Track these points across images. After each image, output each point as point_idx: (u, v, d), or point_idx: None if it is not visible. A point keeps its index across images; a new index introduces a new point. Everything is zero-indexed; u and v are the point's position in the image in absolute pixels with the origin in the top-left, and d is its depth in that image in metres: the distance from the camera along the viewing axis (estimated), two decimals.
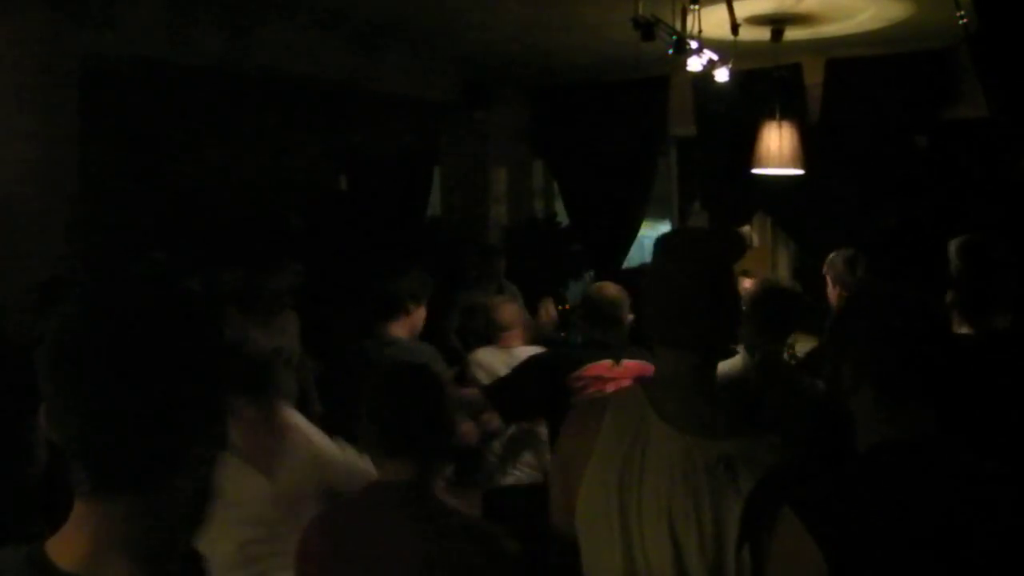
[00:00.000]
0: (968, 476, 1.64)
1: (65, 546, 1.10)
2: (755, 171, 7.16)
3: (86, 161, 5.29)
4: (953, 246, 3.22)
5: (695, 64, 5.44)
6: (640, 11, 4.96)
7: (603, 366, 3.84)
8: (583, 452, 2.01)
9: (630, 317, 4.00)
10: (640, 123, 8.25)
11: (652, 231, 9.94)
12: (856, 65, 7.30)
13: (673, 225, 9.00)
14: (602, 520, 1.97)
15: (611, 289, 4.07)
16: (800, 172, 7.08)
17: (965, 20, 4.44)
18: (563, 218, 9.03)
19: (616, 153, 8.34)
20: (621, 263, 8.66)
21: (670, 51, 5.20)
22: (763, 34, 6.37)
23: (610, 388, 3.65)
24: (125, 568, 1.09)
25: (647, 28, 5.00)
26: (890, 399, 1.68)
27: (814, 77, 7.50)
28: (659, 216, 9.53)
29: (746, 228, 8.36)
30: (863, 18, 6.37)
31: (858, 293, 1.89)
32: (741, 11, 5.47)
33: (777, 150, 6.99)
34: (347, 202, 9.88)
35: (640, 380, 2.06)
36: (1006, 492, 1.63)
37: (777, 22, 6.31)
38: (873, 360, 1.69)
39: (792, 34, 6.50)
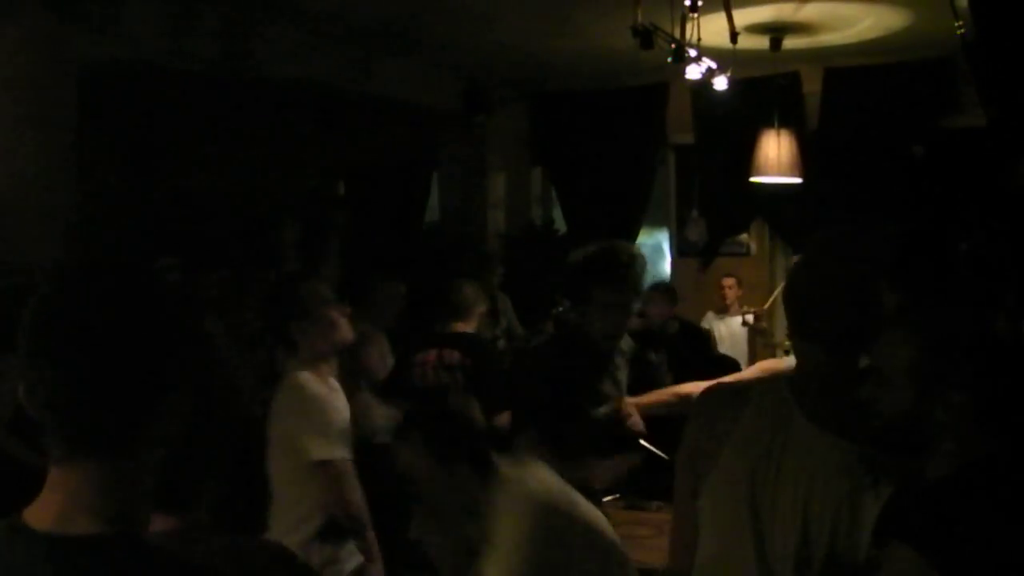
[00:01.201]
0: None
1: (39, 510, 1.19)
2: (753, 179, 7.18)
3: (84, 166, 5.28)
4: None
5: (694, 72, 5.44)
6: (639, 19, 4.97)
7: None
8: (717, 440, 2.00)
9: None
10: (639, 131, 8.26)
11: (649, 238, 9.94)
12: (854, 74, 7.32)
13: (671, 233, 9.00)
14: (730, 513, 1.95)
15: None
16: (798, 180, 7.09)
17: (963, 30, 4.45)
18: (561, 225, 9.03)
19: (614, 160, 8.35)
20: None
21: (669, 59, 5.21)
22: (762, 43, 6.39)
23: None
24: (92, 528, 1.16)
25: (646, 36, 5.00)
26: (988, 416, 1.66)
27: (812, 86, 7.52)
28: (657, 224, 9.53)
29: (744, 236, 8.37)
30: (861, 27, 6.38)
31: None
32: (740, 20, 5.48)
33: (775, 158, 7.01)
34: (345, 208, 9.87)
35: (785, 375, 2.05)
36: None
37: (776, 31, 6.33)
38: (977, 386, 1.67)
39: (791, 43, 6.52)
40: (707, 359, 6.20)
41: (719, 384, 2.31)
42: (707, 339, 7.04)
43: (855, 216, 7.14)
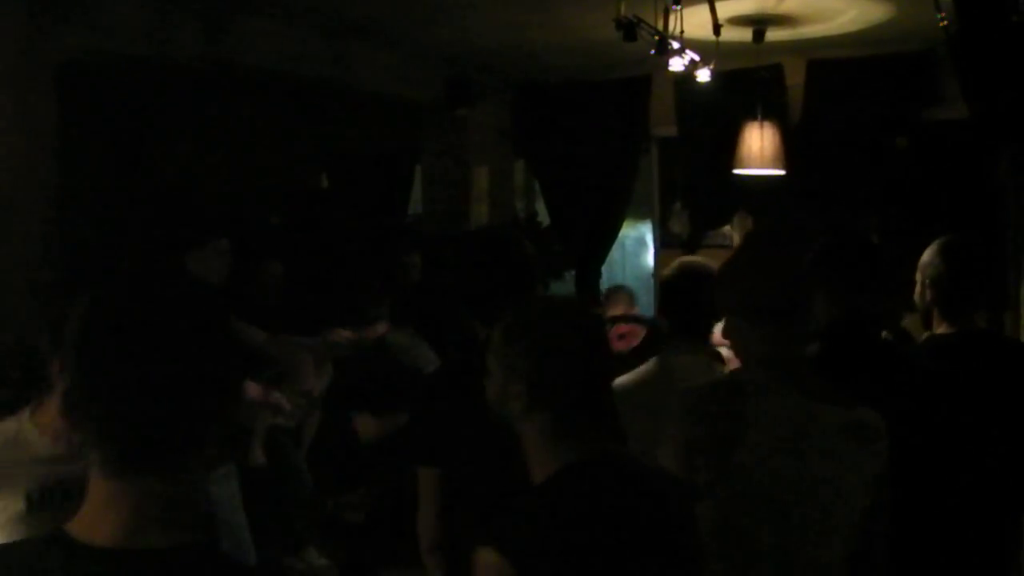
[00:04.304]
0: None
1: (93, 526, 1.12)
2: (736, 171, 7.19)
3: (64, 160, 5.23)
4: (934, 246, 3.23)
5: (677, 64, 5.44)
6: (622, 11, 4.96)
7: None
8: (722, 434, 2.15)
9: None
10: (622, 123, 8.25)
11: (633, 231, 9.95)
12: (837, 66, 7.33)
13: (654, 226, 9.01)
14: (754, 501, 2.09)
15: None
16: (781, 172, 7.11)
17: (945, 22, 4.46)
18: (544, 218, 9.02)
19: (598, 153, 8.34)
20: (602, 263, 8.66)
21: (652, 51, 5.20)
22: (745, 35, 6.39)
23: None
24: (162, 541, 1.12)
25: (629, 28, 5.00)
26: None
27: (795, 78, 7.52)
28: (640, 216, 9.54)
29: (727, 228, 8.39)
30: (844, 20, 6.39)
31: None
32: (723, 12, 5.48)
33: (758, 150, 7.01)
34: (328, 200, 9.84)
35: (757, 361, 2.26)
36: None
37: (759, 23, 6.33)
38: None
39: (774, 35, 6.52)
40: None
41: (705, 381, 2.41)
42: None
43: (836, 207, 7.18)
